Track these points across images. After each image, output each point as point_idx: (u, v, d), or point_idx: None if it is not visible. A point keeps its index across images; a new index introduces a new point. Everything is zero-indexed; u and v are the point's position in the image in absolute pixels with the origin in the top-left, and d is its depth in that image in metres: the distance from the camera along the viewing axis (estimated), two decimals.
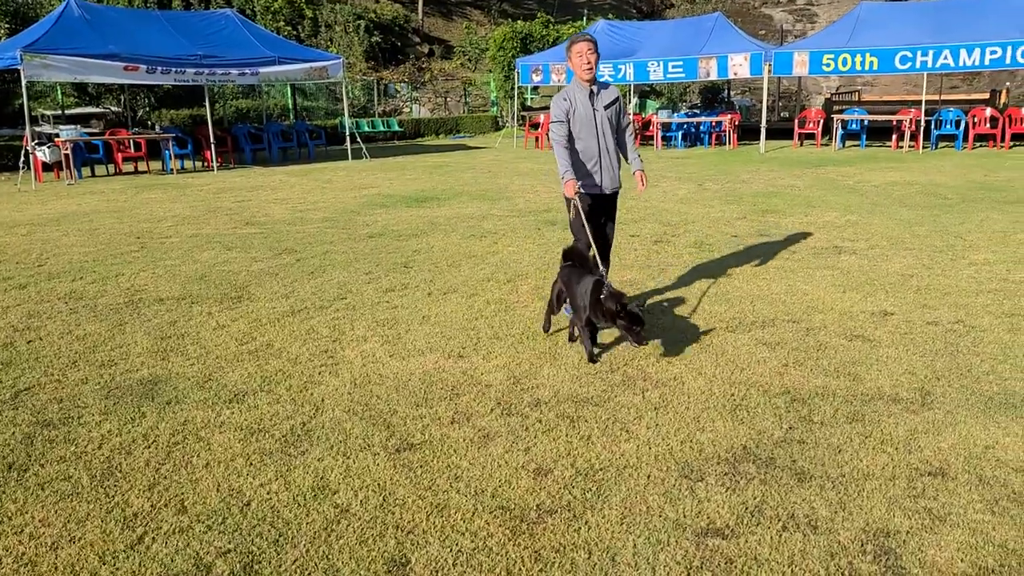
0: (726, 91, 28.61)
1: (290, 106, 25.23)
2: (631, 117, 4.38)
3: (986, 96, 21.60)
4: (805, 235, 8.59)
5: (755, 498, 3.21)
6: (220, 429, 4.07)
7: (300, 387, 4.61)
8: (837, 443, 3.66)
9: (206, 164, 18.11)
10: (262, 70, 17.32)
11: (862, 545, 2.86)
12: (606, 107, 5.12)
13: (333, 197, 12.77)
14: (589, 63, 5.02)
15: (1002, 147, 17.99)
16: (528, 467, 3.55)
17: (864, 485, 3.27)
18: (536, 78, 22.84)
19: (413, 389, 4.52)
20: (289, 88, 24.93)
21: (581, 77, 5.08)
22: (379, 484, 3.44)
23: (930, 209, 10.13)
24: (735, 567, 2.76)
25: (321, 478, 3.52)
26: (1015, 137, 18.08)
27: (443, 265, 7.60)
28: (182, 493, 3.41)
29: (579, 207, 5.06)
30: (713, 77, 20.66)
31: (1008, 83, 24.59)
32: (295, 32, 30.63)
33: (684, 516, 3.11)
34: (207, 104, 17.70)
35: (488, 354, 5.06)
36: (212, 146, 17.40)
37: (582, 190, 5.14)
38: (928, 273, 6.73)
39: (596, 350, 4.95)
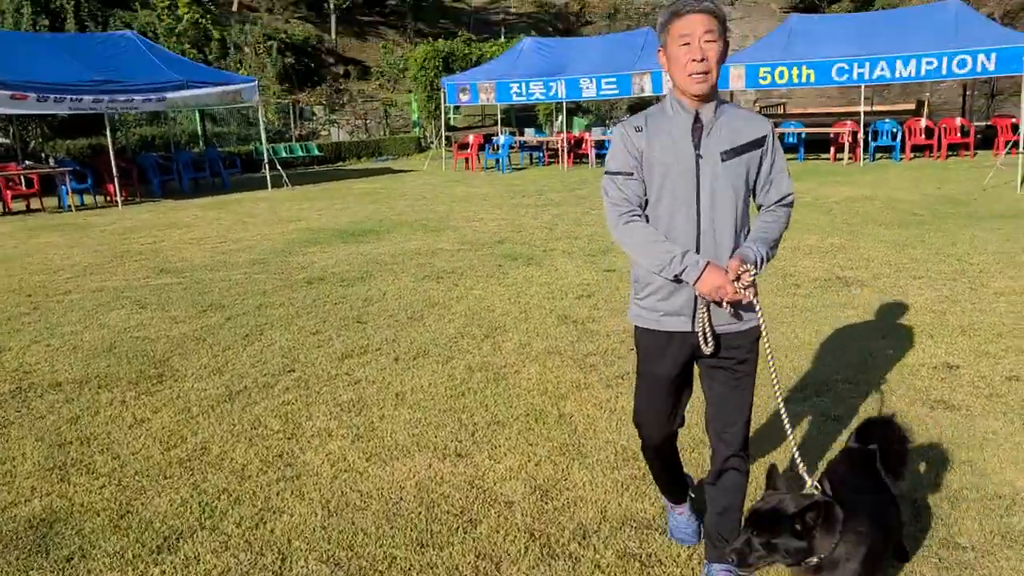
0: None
1: (199, 132, 23.48)
2: (787, 178, 2.68)
3: (913, 106, 21.72)
4: (796, 263, 7.80)
5: None
6: None
7: (255, 519, 3.41)
8: None
9: (109, 199, 16.36)
10: (169, 95, 15.74)
11: None
12: (728, 154, 2.51)
13: (258, 233, 11.40)
14: (705, 57, 2.43)
15: (937, 157, 17.94)
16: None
17: None
18: (464, 98, 21.83)
19: (409, 516, 3.38)
20: (197, 113, 23.20)
21: (684, 86, 2.49)
22: None
23: (907, 227, 9.54)
24: None
25: None
26: (951, 147, 18.06)
27: (403, 318, 6.45)
28: None
29: (642, 372, 2.77)
30: (648, 92, 20.08)
31: (928, 94, 24.92)
32: (202, 55, 28.79)
33: None
34: (108, 132, 15.99)
35: (494, 450, 3.96)
36: (115, 179, 15.70)
37: (641, 324, 2.71)
38: (959, 308, 5.97)
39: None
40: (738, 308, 2.55)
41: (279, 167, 18.46)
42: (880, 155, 18.93)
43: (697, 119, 2.54)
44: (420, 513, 3.39)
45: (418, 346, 5.70)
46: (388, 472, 3.79)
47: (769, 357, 2.58)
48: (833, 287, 6.82)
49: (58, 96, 14.31)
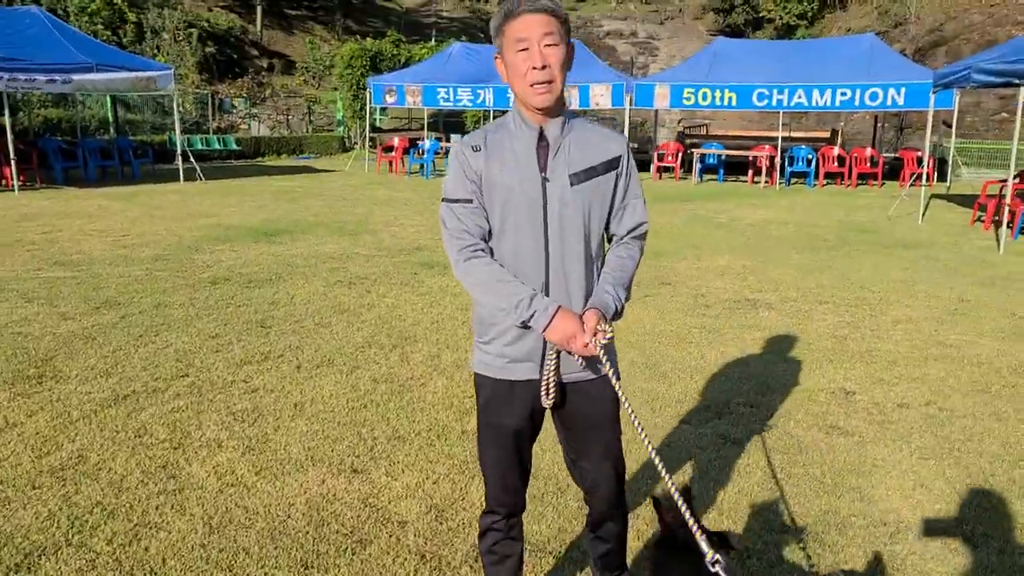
0: None
1: (110, 119, 22.49)
2: (642, 205, 2.37)
3: (827, 135, 22.53)
4: (708, 284, 7.93)
5: None
6: None
7: (128, 537, 3.20)
8: None
9: (5, 184, 15.46)
10: (76, 77, 14.98)
11: None
12: (578, 176, 2.24)
13: (164, 228, 10.94)
14: (547, 64, 2.15)
15: (848, 185, 18.65)
16: None
17: None
18: (390, 99, 21.55)
19: (296, 535, 3.23)
20: (108, 99, 22.22)
21: (525, 98, 2.19)
22: None
23: (816, 252, 9.84)
24: None
25: None
26: (860, 177, 18.81)
27: (309, 324, 6.25)
28: None
29: (483, 424, 2.43)
30: (574, 107, 20.24)
31: (842, 123, 25.94)
32: (115, 37, 27.63)
33: None
34: (6, 113, 15.12)
35: (391, 467, 3.84)
36: (13, 162, 14.84)
37: (484, 372, 2.38)
38: (859, 335, 6.15)
39: None
40: (592, 361, 2.29)
41: (193, 159, 17.82)
42: (795, 180, 19.55)
43: (542, 136, 2.22)
44: (308, 532, 3.24)
45: (322, 354, 5.52)
46: (278, 488, 3.61)
47: (626, 405, 2.12)
48: (741, 309, 6.94)
49: None
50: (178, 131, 18.00)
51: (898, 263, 9.21)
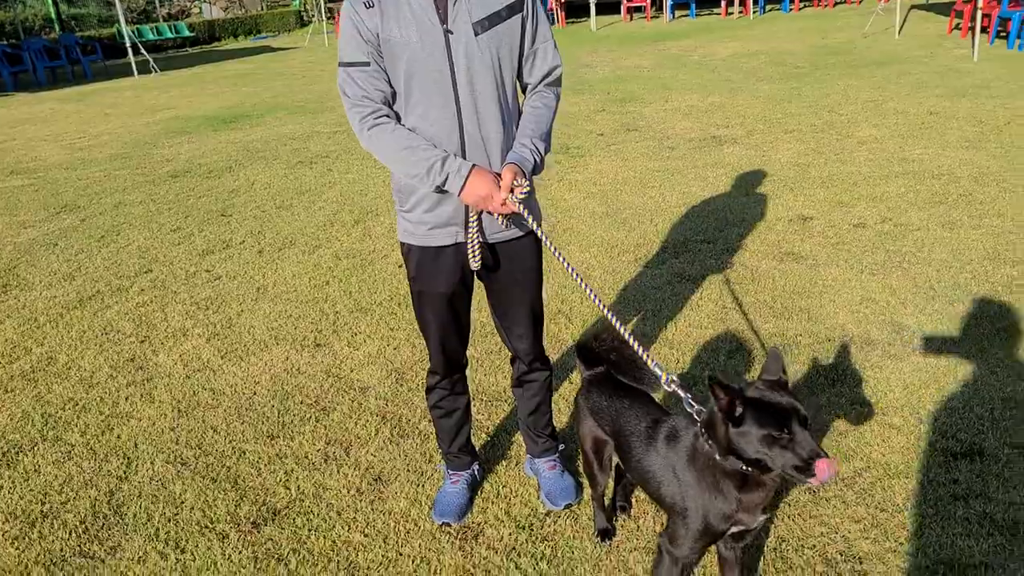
0: None
1: (53, 16, 21.44)
2: (553, 48, 2.21)
3: None
4: (675, 125, 7.80)
5: (766, 531, 2.37)
6: None
7: (101, 427, 3.30)
8: (833, 422, 2.87)
9: None
10: None
11: None
12: (482, 24, 2.08)
13: (121, 125, 10.66)
14: None
15: (826, 6, 18.00)
16: (449, 528, 2.53)
17: (893, 487, 2.50)
18: None
19: (262, 409, 3.33)
20: None
21: None
22: None
23: (787, 80, 9.63)
24: None
25: None
26: None
27: (270, 208, 6.20)
28: None
29: (416, 291, 2.42)
30: None
31: None
32: None
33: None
34: None
35: (353, 338, 3.91)
36: None
37: (410, 240, 2.31)
38: (822, 160, 6.11)
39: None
40: (514, 218, 2.22)
41: (145, 51, 17.14)
42: (770, 7, 18.86)
43: None
44: (273, 406, 3.34)
45: (284, 236, 5.51)
46: (243, 368, 3.70)
47: (557, 255, 2.12)
48: (706, 147, 6.86)
49: None
50: (123, 22, 17.21)
51: (869, 82, 9.03)
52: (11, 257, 5.51)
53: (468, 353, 2.59)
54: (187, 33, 22.60)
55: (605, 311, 2.12)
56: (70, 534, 2.65)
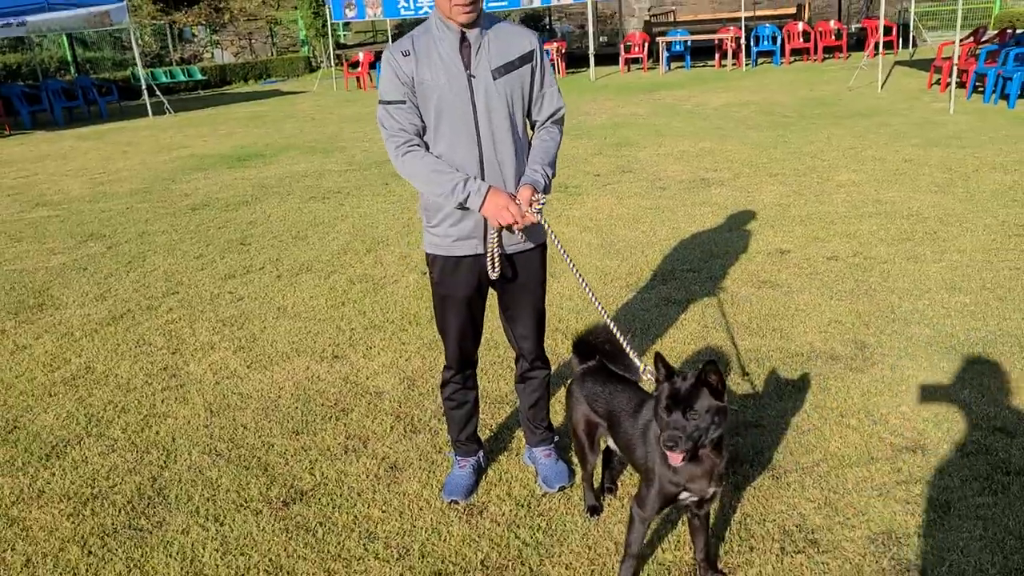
0: (547, 19, 28.13)
1: (69, 59, 22.15)
2: (557, 92, 2.69)
3: (793, 10, 22.37)
4: (667, 168, 8.27)
5: (735, 510, 2.73)
6: (39, 501, 3.10)
7: (140, 424, 3.66)
8: (797, 422, 3.25)
9: None
10: (30, 19, 14.83)
11: (877, 561, 2.44)
12: (499, 71, 2.51)
13: (139, 162, 11.14)
14: None
15: (815, 60, 18.72)
16: (457, 505, 2.88)
17: (846, 475, 2.87)
18: (349, 13, 21.24)
19: (286, 410, 3.69)
20: (66, 38, 21.84)
21: (449, 15, 2.44)
22: (271, 560, 2.66)
23: (775, 129, 10.14)
24: None
25: (191, 561, 2.69)
26: (826, 50, 18.85)
27: (287, 238, 6.62)
28: None
29: (440, 295, 2.79)
30: (536, 4, 20.05)
31: None
32: None
33: (663, 550, 2.57)
34: None
35: (368, 351, 4.29)
36: None
37: (435, 251, 2.70)
38: (802, 201, 6.56)
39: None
40: (528, 230, 2.62)
41: (159, 93, 17.75)
42: (762, 60, 19.58)
43: (464, 38, 2.47)
44: (297, 408, 3.71)
45: (301, 263, 5.91)
46: (268, 376, 4.07)
47: (564, 256, 2.60)
48: (695, 188, 7.31)
49: None
50: (139, 65, 17.86)
51: (851, 132, 9.54)
52: (44, 280, 5.90)
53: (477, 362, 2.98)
54: (199, 76, 23.32)
55: (596, 304, 2.56)
56: (119, 512, 3.00)
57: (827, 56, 18.95)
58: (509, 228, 2.53)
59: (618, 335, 2.55)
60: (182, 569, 2.65)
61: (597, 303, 2.61)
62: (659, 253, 5.50)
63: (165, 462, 3.32)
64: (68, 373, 4.27)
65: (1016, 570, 2.36)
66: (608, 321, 2.58)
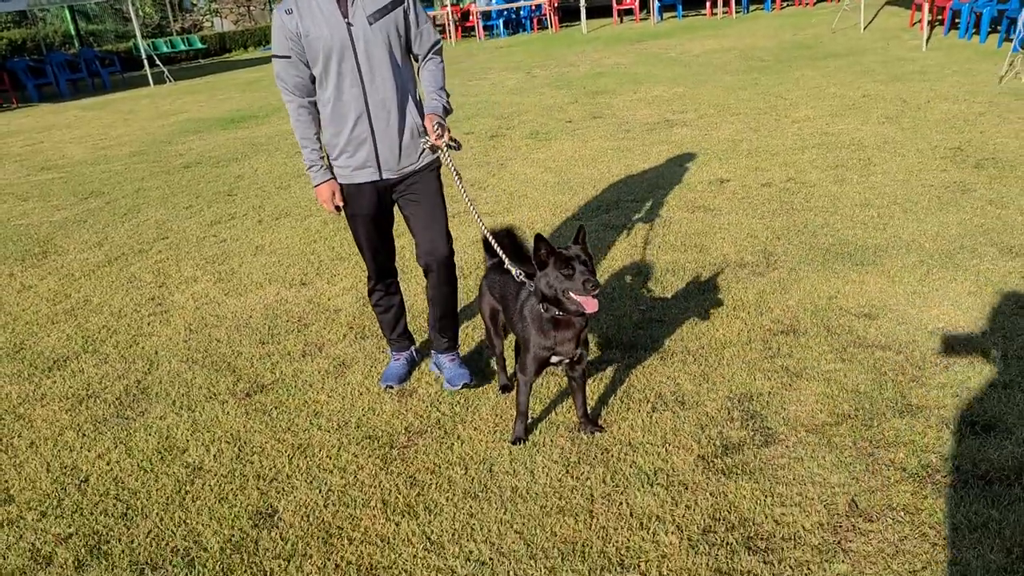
0: None
1: (72, 32, 22.57)
2: (431, 27, 3.08)
3: None
4: (636, 112, 8.63)
5: (622, 383, 3.19)
6: (42, 402, 3.62)
7: (129, 342, 4.17)
8: (693, 318, 3.69)
9: None
10: None
11: (729, 413, 2.91)
12: (374, 16, 2.84)
13: (139, 128, 11.62)
14: None
15: (808, 5, 18.77)
16: (391, 389, 3.37)
17: (723, 354, 3.33)
18: None
19: (256, 326, 4.19)
20: (67, 12, 22.24)
21: None
22: (232, 434, 3.17)
23: (750, 73, 10.43)
24: (611, 456, 2.74)
25: (166, 438, 3.20)
26: None
27: (270, 189, 7.08)
28: (5, 481, 3.01)
29: (349, 216, 3.17)
30: None
31: None
32: None
33: (556, 413, 3.05)
34: None
35: (332, 278, 4.76)
36: None
37: (339, 179, 3.07)
38: (756, 136, 6.92)
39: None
40: (433, 150, 3.04)
41: (160, 63, 18.15)
42: (754, 6, 19.64)
43: None
44: (265, 323, 4.20)
45: (281, 209, 6.38)
46: (242, 301, 4.56)
47: (456, 178, 3.01)
48: (658, 129, 7.68)
49: None
50: (139, 36, 18.25)
51: (822, 72, 9.81)
52: (48, 232, 6.42)
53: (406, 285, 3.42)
54: (199, 45, 23.67)
55: (479, 221, 2.97)
56: (109, 406, 3.51)
57: (819, 0, 18.98)
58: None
59: (497, 247, 2.97)
60: (159, 444, 3.16)
61: (479, 220, 3.01)
62: (608, 187, 5.91)
63: (149, 369, 3.83)
64: (68, 306, 4.79)
65: (844, 415, 2.81)
66: (486, 232, 3.01)
